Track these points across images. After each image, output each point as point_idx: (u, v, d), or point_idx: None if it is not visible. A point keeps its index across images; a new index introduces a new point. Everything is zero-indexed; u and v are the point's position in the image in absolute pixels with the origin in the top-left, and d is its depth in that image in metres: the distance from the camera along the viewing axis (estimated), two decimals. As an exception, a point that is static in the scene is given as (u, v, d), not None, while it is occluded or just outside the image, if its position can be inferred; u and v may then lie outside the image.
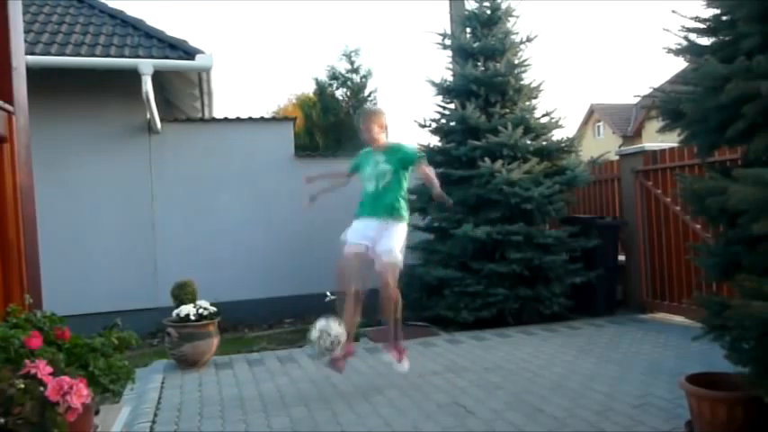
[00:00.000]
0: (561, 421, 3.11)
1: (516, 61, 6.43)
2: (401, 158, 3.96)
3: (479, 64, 6.46)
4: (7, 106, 2.19)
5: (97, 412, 2.01)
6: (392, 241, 3.84)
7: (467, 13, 6.79)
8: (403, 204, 4.01)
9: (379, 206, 3.90)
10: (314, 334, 3.64)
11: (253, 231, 7.23)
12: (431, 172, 4.00)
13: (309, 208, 4.16)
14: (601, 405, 3.33)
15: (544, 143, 6.29)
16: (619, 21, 71.22)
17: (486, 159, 5.81)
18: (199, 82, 7.42)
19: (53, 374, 1.61)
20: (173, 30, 8.11)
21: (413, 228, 6.23)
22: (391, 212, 3.90)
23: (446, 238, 6.04)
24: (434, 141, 6.64)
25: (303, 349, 5.25)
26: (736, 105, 2.44)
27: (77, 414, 1.59)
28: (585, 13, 73.36)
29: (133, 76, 6.24)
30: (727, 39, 2.78)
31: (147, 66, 6.21)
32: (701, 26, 2.89)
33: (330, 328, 3.63)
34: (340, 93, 13.27)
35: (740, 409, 2.55)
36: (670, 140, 4.55)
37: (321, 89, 13.19)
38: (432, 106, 6.98)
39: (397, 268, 3.86)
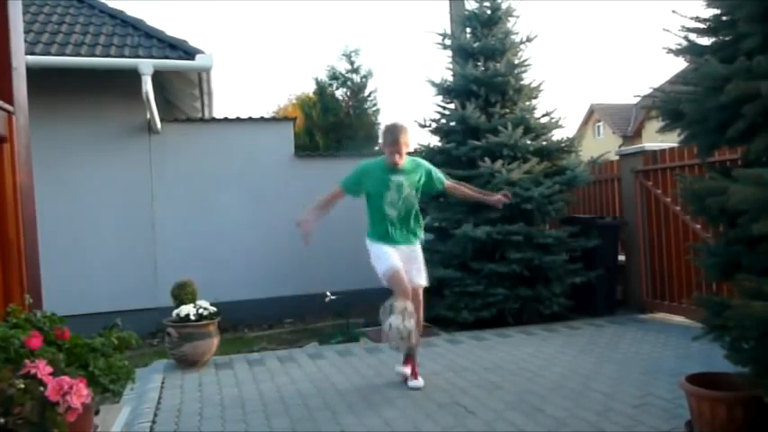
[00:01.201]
0: (561, 421, 3.11)
1: (516, 61, 6.42)
2: (428, 182, 3.88)
3: (479, 64, 6.46)
4: (7, 106, 2.19)
5: (97, 412, 2.01)
6: (423, 266, 3.87)
7: (467, 13, 6.78)
8: (422, 223, 4.01)
9: (407, 232, 3.83)
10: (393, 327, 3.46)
11: (253, 231, 7.23)
12: (457, 185, 4.06)
13: (309, 243, 3.70)
14: (601, 405, 3.33)
15: (544, 143, 6.29)
16: (619, 21, 71.25)
17: (487, 159, 5.81)
18: (199, 82, 7.42)
19: (53, 374, 1.61)
20: (173, 30, 8.13)
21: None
22: (417, 236, 3.88)
23: (446, 238, 6.04)
24: (434, 141, 6.64)
25: (303, 349, 5.25)
26: (737, 105, 2.43)
27: (77, 414, 1.59)
28: (585, 13, 73.37)
29: (133, 76, 6.25)
30: (727, 39, 2.78)
31: (147, 66, 6.21)
32: (701, 26, 2.89)
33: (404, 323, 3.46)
34: (340, 93, 13.29)
35: (740, 409, 2.55)
36: (670, 140, 4.55)
37: (321, 89, 13.21)
38: (432, 106, 6.99)
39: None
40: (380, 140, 3.91)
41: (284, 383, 4.05)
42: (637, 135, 28.16)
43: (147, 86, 6.20)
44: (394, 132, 3.71)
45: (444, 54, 6.90)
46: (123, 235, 6.79)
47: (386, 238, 3.77)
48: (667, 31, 2.97)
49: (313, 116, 13.00)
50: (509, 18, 6.59)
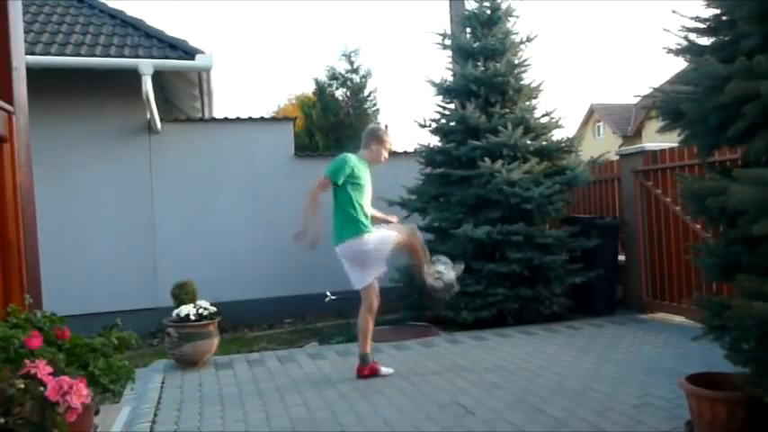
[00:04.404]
0: (561, 421, 3.11)
1: (516, 61, 6.43)
2: None
3: (479, 64, 6.46)
4: (7, 106, 2.19)
5: (97, 412, 2.01)
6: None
7: (467, 13, 6.79)
8: None
9: (369, 223, 4.17)
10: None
11: (253, 231, 7.23)
12: None
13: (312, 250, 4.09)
14: (601, 405, 3.33)
15: (544, 143, 6.29)
16: (619, 21, 71.17)
17: (486, 159, 5.81)
18: (199, 82, 7.42)
19: (53, 374, 1.61)
20: (173, 30, 8.13)
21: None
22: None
23: (446, 238, 6.04)
24: (434, 141, 6.64)
25: (303, 349, 5.25)
26: (737, 105, 2.43)
27: (77, 414, 1.59)
28: (585, 13, 73.31)
29: (133, 76, 6.24)
30: (727, 39, 2.78)
31: (147, 66, 6.21)
32: (701, 26, 2.89)
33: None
34: (340, 93, 13.27)
35: (740, 409, 2.55)
36: (670, 140, 4.55)
37: (321, 89, 13.19)
38: (432, 106, 6.99)
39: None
40: (370, 139, 4.31)
41: (284, 383, 4.05)
42: (637, 135, 28.12)
43: (147, 86, 6.19)
44: (383, 133, 4.30)
45: (444, 54, 6.92)
46: (123, 235, 6.78)
47: (369, 225, 4.10)
48: (667, 31, 2.98)
49: (313, 116, 12.97)
50: (509, 18, 6.59)
